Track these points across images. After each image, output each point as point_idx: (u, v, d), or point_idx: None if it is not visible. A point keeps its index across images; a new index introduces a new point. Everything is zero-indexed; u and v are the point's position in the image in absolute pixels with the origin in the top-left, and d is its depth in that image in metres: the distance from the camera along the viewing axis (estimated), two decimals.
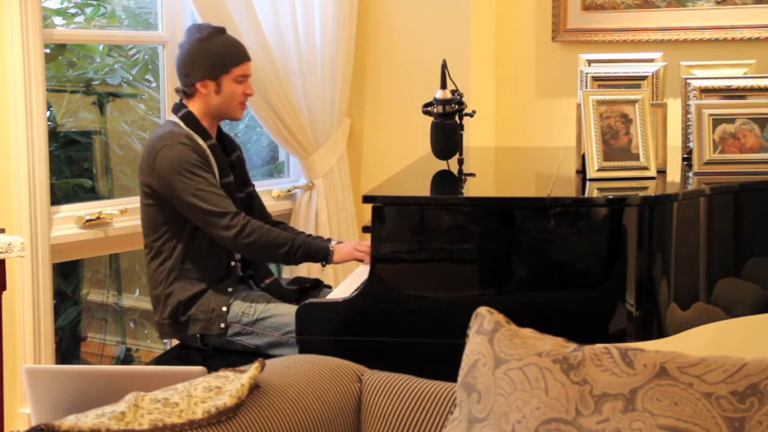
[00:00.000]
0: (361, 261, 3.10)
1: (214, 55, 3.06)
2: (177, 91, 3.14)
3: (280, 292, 3.12)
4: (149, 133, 4.15)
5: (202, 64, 3.06)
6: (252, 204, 3.22)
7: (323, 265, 3.12)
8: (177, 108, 3.11)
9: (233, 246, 2.98)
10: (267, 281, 3.15)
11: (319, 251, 3.04)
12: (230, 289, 3.05)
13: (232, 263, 3.09)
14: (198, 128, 3.07)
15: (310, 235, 3.27)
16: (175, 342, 3.32)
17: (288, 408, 1.92)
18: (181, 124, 3.06)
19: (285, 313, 2.96)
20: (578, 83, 3.17)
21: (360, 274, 2.97)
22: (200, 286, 3.04)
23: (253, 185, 3.31)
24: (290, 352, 2.83)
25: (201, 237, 3.01)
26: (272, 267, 3.33)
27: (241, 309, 3.02)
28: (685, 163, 3.16)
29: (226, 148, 3.19)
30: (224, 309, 3.01)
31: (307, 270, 4.05)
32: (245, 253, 3.07)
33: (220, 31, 3.12)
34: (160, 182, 2.98)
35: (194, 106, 3.09)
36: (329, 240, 3.19)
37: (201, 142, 3.05)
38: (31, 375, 1.98)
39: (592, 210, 2.63)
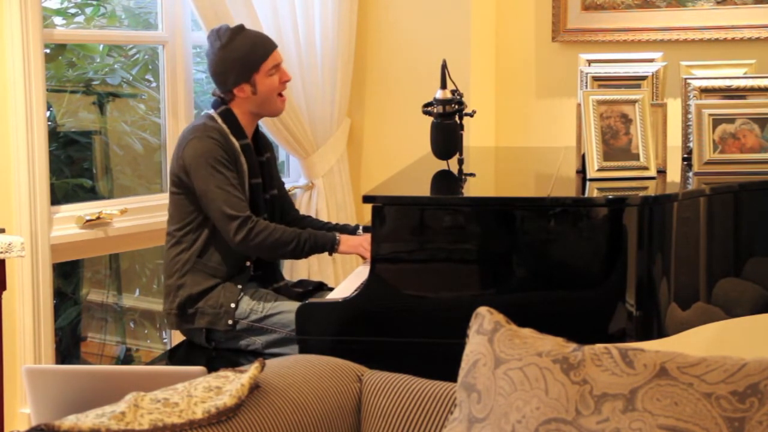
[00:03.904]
0: (364, 258, 3.10)
1: (239, 59, 3.06)
2: (214, 94, 3.15)
3: (286, 294, 3.13)
4: (149, 133, 4.16)
5: (232, 70, 3.06)
6: (275, 207, 3.23)
7: (330, 254, 3.14)
8: (217, 104, 3.12)
9: (241, 248, 3.00)
10: (275, 285, 3.16)
11: (326, 243, 3.06)
12: (240, 286, 3.06)
13: (248, 263, 3.11)
14: (235, 126, 3.08)
15: (327, 224, 3.35)
16: (176, 339, 3.32)
17: (288, 408, 1.92)
18: (218, 119, 3.08)
19: (293, 310, 2.96)
20: (578, 83, 3.17)
21: (360, 274, 2.97)
22: (212, 281, 3.05)
23: (282, 183, 3.35)
24: (298, 350, 2.83)
25: (219, 236, 3.03)
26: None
27: (249, 306, 3.03)
28: (685, 163, 3.16)
29: (260, 147, 3.20)
30: (232, 305, 3.02)
31: (308, 272, 4.05)
32: (254, 254, 3.08)
33: (239, 30, 3.11)
34: (185, 172, 3.00)
35: (235, 107, 3.11)
36: (337, 226, 3.27)
37: (234, 140, 3.06)
38: (31, 375, 1.98)
39: (592, 210, 2.63)
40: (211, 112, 3.12)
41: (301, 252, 3.04)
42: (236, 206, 2.96)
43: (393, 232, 2.61)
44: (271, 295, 3.07)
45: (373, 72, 4.38)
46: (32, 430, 1.66)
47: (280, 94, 3.16)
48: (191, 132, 3.04)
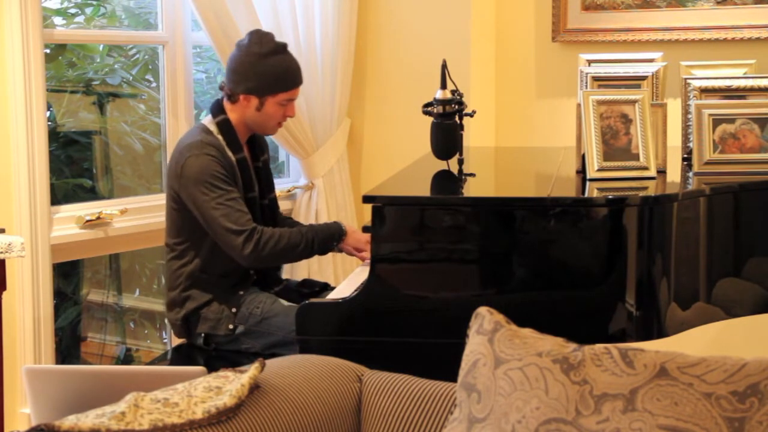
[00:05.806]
0: (364, 259, 3.10)
1: (265, 75, 3.02)
2: (221, 88, 3.12)
3: (288, 296, 3.13)
4: (149, 133, 4.16)
5: (251, 79, 3.03)
6: (274, 210, 3.21)
7: (337, 244, 3.11)
8: (216, 110, 3.08)
9: (251, 262, 2.96)
10: (276, 288, 3.15)
11: (333, 233, 3.05)
12: (241, 292, 3.06)
13: (251, 272, 3.10)
14: (231, 138, 3.05)
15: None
16: (176, 339, 3.32)
17: (288, 408, 1.92)
18: (214, 131, 3.05)
19: (291, 312, 2.96)
20: (578, 83, 3.17)
21: (360, 274, 2.97)
22: (215, 291, 3.05)
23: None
24: (296, 351, 2.83)
25: (221, 249, 3.01)
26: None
27: (248, 309, 3.02)
28: (685, 163, 3.16)
29: (255, 151, 3.18)
30: (233, 310, 3.03)
31: (308, 272, 4.05)
32: (267, 264, 3.06)
33: (281, 49, 3.07)
34: (185, 191, 2.97)
35: (233, 113, 3.08)
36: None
37: (230, 154, 3.03)
38: (31, 375, 1.98)
39: (592, 210, 2.63)
40: (207, 122, 3.09)
41: (311, 249, 3.02)
42: (239, 220, 2.92)
43: (393, 232, 2.61)
44: (270, 298, 3.06)
45: (373, 72, 4.38)
46: (32, 430, 1.66)
47: (279, 123, 3.14)
48: (188, 149, 2.98)
